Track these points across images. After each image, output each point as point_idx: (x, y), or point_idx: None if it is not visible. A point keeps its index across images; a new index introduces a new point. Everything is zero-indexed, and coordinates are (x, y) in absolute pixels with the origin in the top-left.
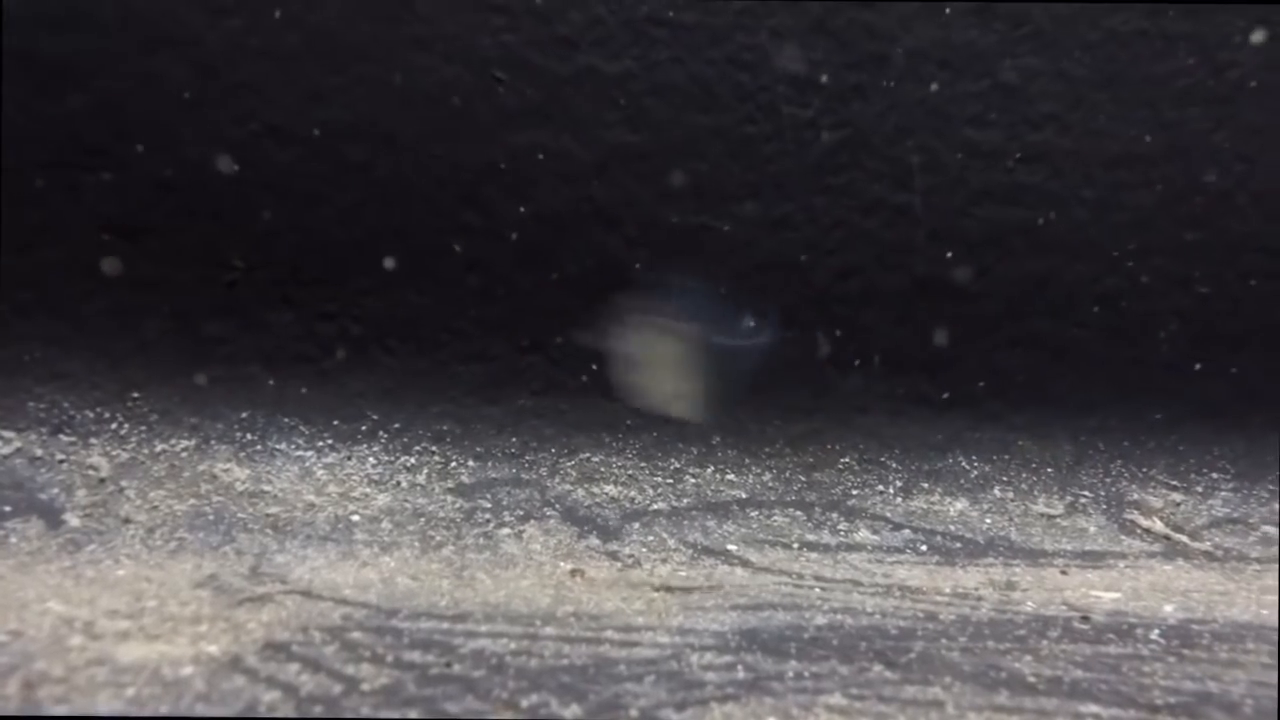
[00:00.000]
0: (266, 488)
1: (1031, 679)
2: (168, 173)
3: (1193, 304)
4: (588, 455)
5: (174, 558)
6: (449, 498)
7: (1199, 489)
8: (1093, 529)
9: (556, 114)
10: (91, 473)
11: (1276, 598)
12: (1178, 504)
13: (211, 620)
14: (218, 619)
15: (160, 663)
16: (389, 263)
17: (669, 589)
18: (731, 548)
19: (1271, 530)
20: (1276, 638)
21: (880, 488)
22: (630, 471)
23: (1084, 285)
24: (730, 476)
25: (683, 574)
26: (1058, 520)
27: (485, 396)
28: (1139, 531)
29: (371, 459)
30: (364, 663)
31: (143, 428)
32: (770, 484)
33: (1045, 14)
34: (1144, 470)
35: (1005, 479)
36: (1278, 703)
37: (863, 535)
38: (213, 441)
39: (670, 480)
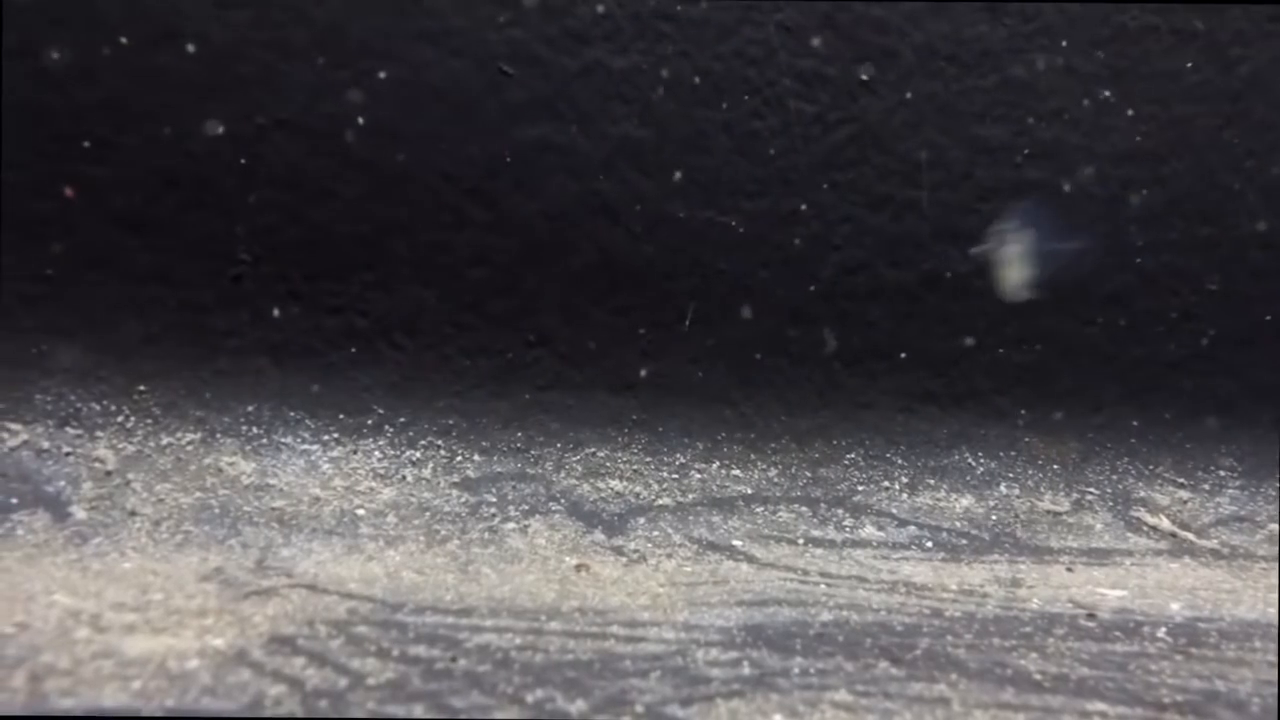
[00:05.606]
0: (272, 481)
1: (1038, 676)
2: (174, 165)
3: (1201, 301)
4: (593, 450)
5: (180, 551)
6: (454, 492)
7: (1206, 487)
8: (1099, 526)
9: (564, 108)
10: (98, 465)
11: (1278, 596)
12: (1184, 501)
13: (217, 613)
14: (223, 612)
15: (166, 656)
16: (395, 257)
17: (674, 584)
18: (737, 543)
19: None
20: (1277, 635)
21: (886, 484)
22: (636, 466)
23: (1092, 282)
24: (736, 472)
25: (688, 569)
26: (1064, 517)
27: (491, 391)
28: (1145, 529)
29: (377, 453)
30: (369, 657)
31: (149, 421)
32: (776, 480)
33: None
34: (1151, 468)
35: (1011, 475)
36: (1278, 700)
37: (868, 531)
38: (219, 435)
39: (676, 475)
